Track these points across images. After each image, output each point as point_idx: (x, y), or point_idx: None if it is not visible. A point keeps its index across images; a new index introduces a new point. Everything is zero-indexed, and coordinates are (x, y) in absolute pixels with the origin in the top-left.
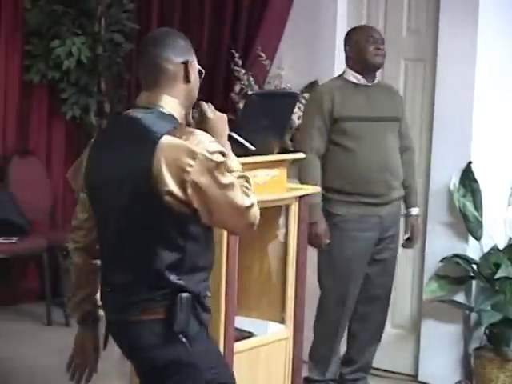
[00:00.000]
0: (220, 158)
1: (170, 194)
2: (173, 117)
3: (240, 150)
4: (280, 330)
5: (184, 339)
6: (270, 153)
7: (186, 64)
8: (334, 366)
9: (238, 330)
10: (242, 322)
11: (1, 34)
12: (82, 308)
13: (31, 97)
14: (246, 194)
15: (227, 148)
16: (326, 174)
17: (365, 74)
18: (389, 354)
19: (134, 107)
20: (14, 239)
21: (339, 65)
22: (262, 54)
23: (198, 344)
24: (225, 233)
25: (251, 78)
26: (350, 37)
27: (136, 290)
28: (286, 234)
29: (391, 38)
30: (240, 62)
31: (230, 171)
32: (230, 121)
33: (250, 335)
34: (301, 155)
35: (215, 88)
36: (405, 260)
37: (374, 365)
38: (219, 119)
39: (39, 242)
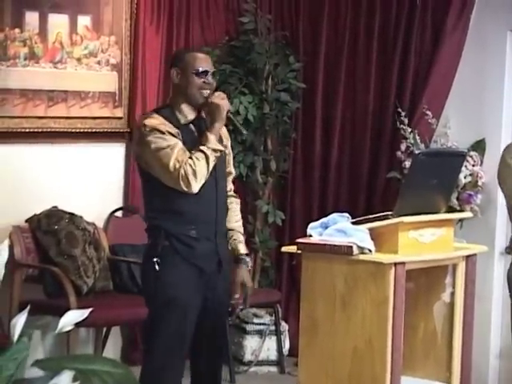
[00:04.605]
0: None
1: None
2: None
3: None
4: None
5: None
6: (437, 212)
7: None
8: None
9: None
10: (407, 382)
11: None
12: None
13: None
14: None
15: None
16: None
17: None
18: None
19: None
20: None
21: (507, 123)
22: (428, 113)
23: None
24: (391, 294)
25: (417, 137)
26: None
27: None
28: (453, 294)
29: None
30: (406, 121)
31: None
32: (396, 180)
33: None
34: (468, 214)
35: (381, 146)
36: None
37: None
38: None
39: None
